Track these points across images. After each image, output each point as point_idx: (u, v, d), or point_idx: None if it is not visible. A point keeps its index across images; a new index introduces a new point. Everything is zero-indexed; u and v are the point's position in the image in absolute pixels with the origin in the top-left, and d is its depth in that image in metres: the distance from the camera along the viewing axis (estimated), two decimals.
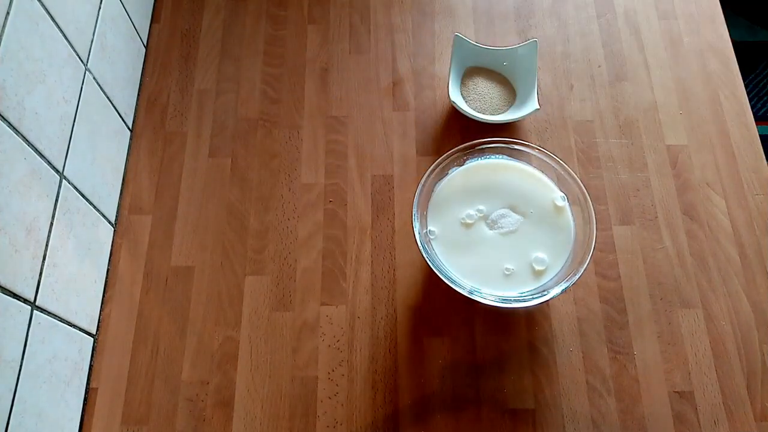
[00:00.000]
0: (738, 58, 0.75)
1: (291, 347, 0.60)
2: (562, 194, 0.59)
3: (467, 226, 0.58)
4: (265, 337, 0.61)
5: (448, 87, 0.69)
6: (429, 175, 0.58)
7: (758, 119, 1.46)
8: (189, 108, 0.72)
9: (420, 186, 0.58)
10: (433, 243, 0.57)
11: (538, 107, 0.66)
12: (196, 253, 0.64)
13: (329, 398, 0.58)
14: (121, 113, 0.67)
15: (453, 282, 0.54)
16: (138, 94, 0.72)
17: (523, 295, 0.55)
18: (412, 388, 0.59)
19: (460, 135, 0.70)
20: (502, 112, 0.70)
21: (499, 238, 0.58)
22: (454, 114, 0.71)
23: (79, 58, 0.58)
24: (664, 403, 0.58)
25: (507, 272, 0.56)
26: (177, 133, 0.70)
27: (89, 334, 0.59)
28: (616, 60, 0.75)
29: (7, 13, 0.46)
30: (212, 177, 0.68)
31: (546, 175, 0.60)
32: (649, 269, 0.64)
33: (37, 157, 0.50)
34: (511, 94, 0.71)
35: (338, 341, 0.60)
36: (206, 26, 0.77)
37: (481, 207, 0.59)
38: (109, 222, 0.64)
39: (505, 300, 0.54)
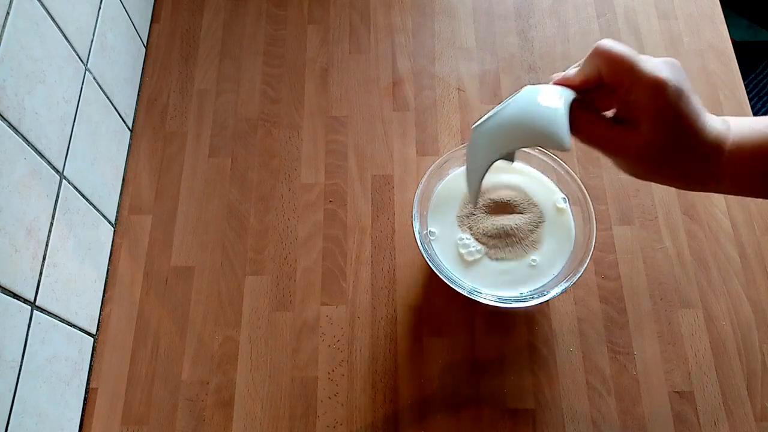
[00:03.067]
0: (738, 58, 0.75)
1: (291, 347, 0.60)
2: (563, 196, 0.59)
3: (472, 227, 0.58)
4: (265, 337, 0.61)
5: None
6: (429, 175, 0.58)
7: None
8: (189, 108, 0.72)
9: (420, 186, 0.58)
10: (433, 243, 0.58)
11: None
12: (196, 253, 0.64)
13: (329, 398, 0.58)
14: (121, 113, 0.67)
15: (453, 282, 0.54)
16: (138, 94, 0.72)
17: (523, 295, 0.55)
18: (412, 388, 0.59)
19: (460, 135, 0.70)
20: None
21: (500, 238, 0.57)
22: (454, 114, 0.71)
23: (79, 58, 0.58)
24: (664, 403, 0.58)
25: (505, 272, 0.56)
26: (177, 133, 0.70)
27: (89, 334, 0.59)
28: None
29: (7, 13, 0.46)
30: (212, 177, 0.68)
31: (546, 175, 0.60)
32: (649, 269, 0.63)
33: (37, 157, 0.50)
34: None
35: (338, 341, 0.60)
36: (206, 26, 0.77)
37: (482, 207, 0.59)
38: (109, 222, 0.64)
39: (505, 300, 0.54)
